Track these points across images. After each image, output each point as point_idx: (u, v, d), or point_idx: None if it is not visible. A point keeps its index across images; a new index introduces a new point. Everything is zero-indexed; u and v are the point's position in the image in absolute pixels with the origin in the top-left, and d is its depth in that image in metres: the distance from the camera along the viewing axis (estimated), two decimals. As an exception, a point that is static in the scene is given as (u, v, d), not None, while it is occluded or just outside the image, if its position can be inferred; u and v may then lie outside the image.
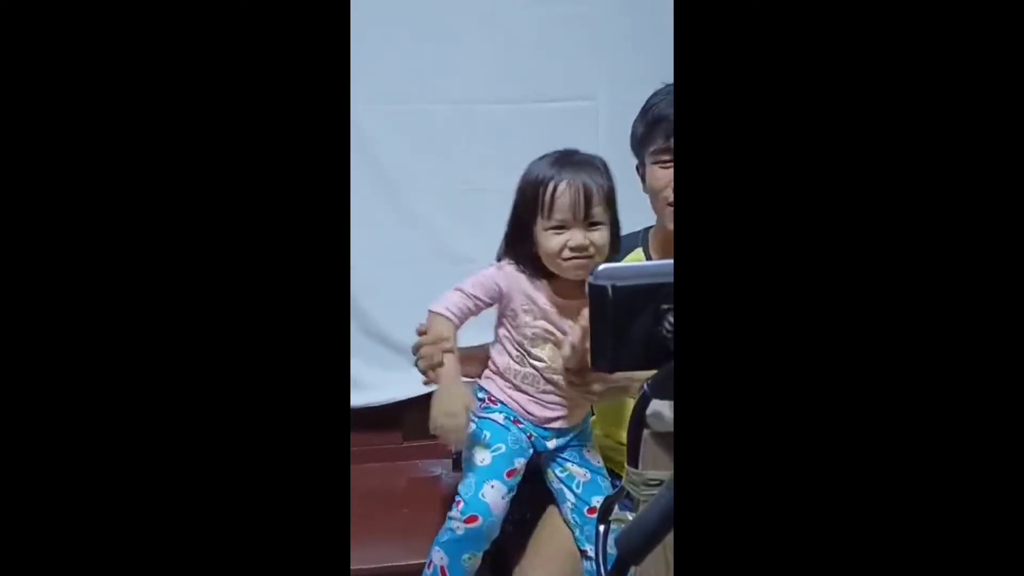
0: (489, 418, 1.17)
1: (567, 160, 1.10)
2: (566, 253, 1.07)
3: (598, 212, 1.08)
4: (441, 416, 1.03)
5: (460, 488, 1.12)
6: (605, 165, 1.11)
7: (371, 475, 1.73)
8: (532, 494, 1.22)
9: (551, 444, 1.18)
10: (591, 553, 1.12)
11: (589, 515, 1.14)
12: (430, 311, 1.13)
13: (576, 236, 1.07)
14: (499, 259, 1.16)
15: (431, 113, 1.68)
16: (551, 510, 1.21)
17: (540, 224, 1.09)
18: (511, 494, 1.12)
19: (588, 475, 1.18)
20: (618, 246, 1.13)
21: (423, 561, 1.12)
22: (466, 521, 1.07)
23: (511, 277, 1.14)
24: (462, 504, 1.08)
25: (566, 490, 1.18)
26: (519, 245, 1.12)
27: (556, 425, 1.17)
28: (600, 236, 1.08)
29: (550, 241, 1.08)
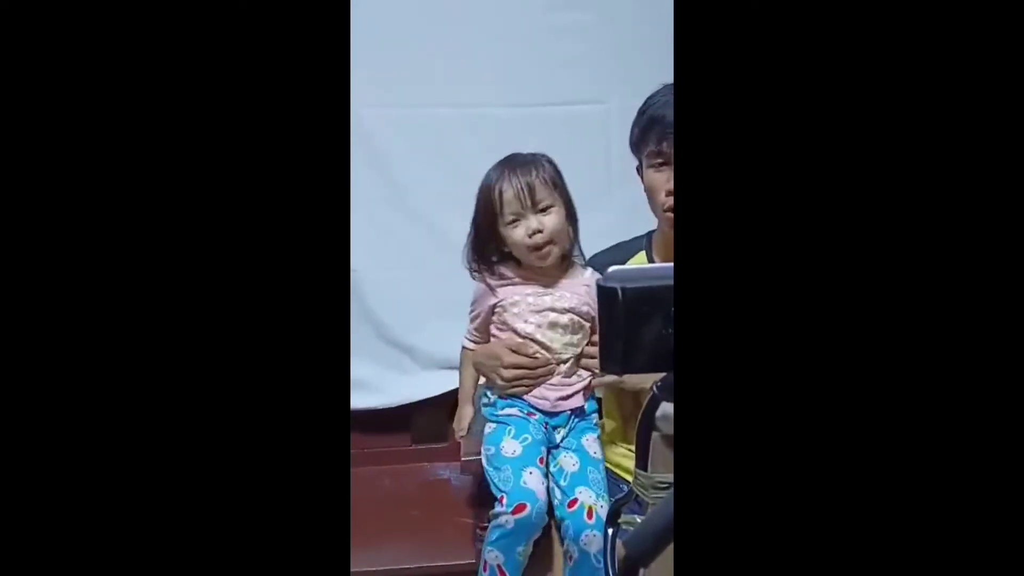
0: (507, 414, 1.18)
1: (508, 162, 1.20)
2: (529, 241, 1.16)
3: (544, 197, 1.17)
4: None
5: (498, 484, 1.10)
6: (546, 157, 1.22)
7: (380, 478, 1.74)
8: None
9: (559, 435, 1.18)
10: (573, 553, 1.08)
11: (569, 508, 1.10)
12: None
13: (531, 222, 1.17)
14: (467, 267, 1.24)
15: (439, 117, 1.69)
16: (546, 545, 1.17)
17: (501, 223, 1.18)
18: (546, 483, 1.11)
19: (577, 464, 1.15)
20: (576, 226, 1.23)
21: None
22: (514, 512, 1.05)
23: (482, 284, 1.22)
24: (505, 498, 1.07)
25: (554, 486, 1.15)
26: (483, 246, 1.22)
27: (569, 404, 1.19)
28: (552, 219, 1.17)
29: (514, 233, 1.18)
